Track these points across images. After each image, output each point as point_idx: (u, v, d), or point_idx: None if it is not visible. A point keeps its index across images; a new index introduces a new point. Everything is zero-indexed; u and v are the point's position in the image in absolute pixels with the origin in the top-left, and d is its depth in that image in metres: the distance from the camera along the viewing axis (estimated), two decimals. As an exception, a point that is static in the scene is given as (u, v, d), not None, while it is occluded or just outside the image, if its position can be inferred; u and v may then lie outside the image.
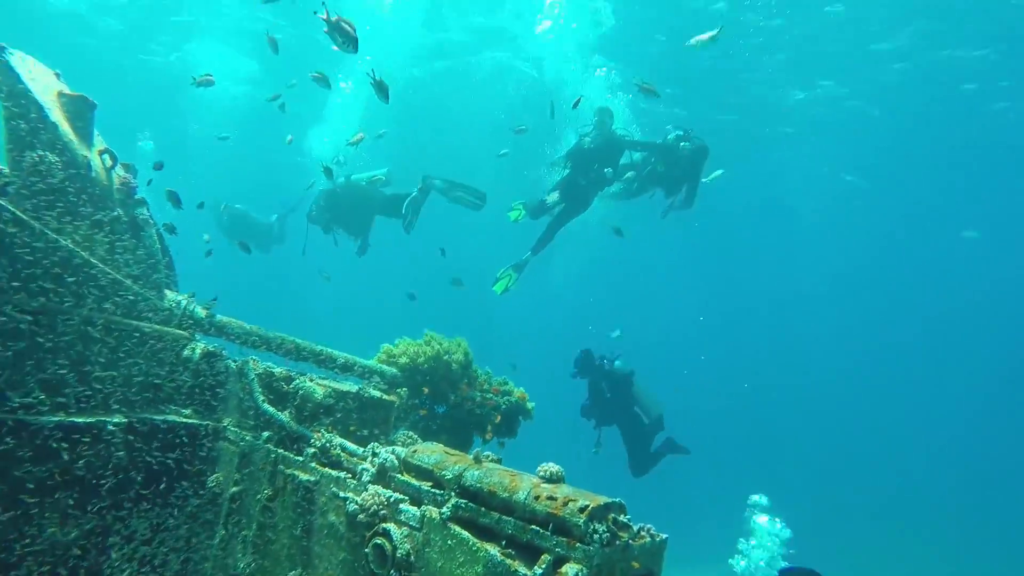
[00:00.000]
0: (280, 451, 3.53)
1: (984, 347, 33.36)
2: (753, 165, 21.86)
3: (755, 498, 11.76)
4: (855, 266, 31.46)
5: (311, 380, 3.97)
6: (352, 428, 3.88)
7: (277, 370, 4.03)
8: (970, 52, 16.81)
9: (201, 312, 4.06)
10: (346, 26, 4.47)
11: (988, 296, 29.84)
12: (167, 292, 4.10)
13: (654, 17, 16.16)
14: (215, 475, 3.65)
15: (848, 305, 35.73)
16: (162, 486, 3.41)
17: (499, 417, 5.13)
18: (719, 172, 11.26)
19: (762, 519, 11.44)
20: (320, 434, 3.49)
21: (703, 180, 9.82)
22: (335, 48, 4.87)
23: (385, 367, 4.88)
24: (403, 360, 4.92)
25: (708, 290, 36.36)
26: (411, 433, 4.25)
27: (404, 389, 4.85)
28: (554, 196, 9.76)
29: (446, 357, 4.98)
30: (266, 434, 3.68)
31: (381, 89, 5.21)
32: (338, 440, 3.49)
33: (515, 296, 10.68)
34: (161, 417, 3.45)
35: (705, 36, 7.23)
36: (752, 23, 16.30)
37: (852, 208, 26.34)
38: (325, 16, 4.48)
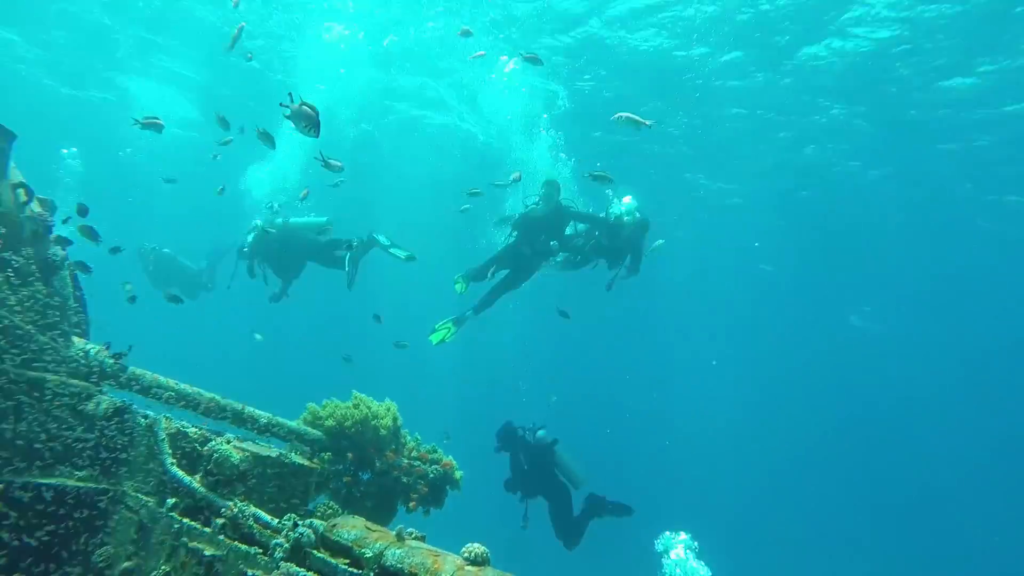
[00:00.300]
0: (185, 521, 3.22)
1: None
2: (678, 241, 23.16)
3: (663, 539, 10.81)
4: (760, 330, 33.22)
5: (228, 442, 3.68)
6: (266, 498, 3.60)
7: (192, 430, 3.73)
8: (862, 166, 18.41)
9: (110, 362, 3.76)
10: (308, 110, 4.48)
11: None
12: (75, 340, 3.79)
13: (602, 113, 16.86)
14: (104, 548, 3.28)
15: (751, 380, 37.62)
16: (38, 567, 3.01)
17: (425, 487, 4.89)
18: (660, 242, 11.58)
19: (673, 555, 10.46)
20: (232, 503, 3.21)
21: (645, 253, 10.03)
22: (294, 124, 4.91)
23: (310, 429, 4.62)
24: (329, 423, 4.67)
25: (632, 352, 37.31)
26: (332, 503, 3.99)
27: (328, 454, 4.59)
28: (495, 265, 9.76)
29: (374, 422, 4.75)
30: (171, 501, 3.35)
31: (331, 167, 5.37)
32: (251, 510, 3.21)
33: (451, 355, 10.51)
34: (49, 480, 3.11)
35: (636, 118, 7.48)
36: (675, 118, 17.55)
37: (757, 288, 28.43)
38: (290, 103, 4.50)
